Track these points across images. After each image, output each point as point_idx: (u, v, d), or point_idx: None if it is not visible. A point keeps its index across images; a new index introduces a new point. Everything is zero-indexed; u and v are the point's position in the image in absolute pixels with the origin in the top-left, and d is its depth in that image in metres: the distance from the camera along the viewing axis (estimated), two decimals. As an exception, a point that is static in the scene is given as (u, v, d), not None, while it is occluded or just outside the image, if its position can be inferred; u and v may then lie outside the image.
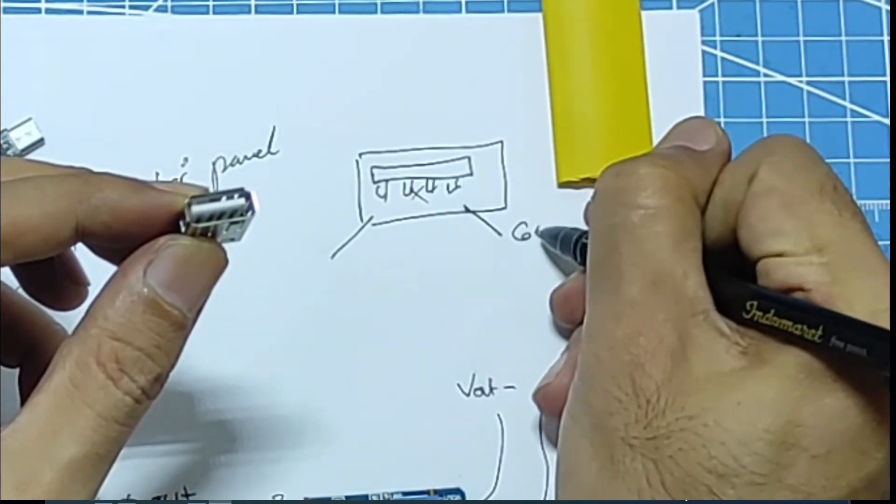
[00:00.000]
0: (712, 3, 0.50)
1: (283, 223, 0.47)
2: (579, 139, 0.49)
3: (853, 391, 0.35)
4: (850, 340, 0.34)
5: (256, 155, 0.48)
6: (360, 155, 0.49)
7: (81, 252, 0.38)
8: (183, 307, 0.35)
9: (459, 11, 0.50)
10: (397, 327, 0.47)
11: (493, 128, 0.49)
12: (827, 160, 0.49)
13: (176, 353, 0.35)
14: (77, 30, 0.48)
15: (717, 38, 0.50)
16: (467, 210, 0.48)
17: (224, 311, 0.44)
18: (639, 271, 0.38)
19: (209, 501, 0.46)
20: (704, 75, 0.50)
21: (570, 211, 0.48)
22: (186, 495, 0.45)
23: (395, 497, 0.46)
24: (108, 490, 0.35)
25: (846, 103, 0.50)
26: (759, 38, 0.50)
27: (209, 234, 0.35)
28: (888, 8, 0.50)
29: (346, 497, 0.46)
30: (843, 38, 0.50)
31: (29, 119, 0.47)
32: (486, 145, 0.49)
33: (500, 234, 0.48)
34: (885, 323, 0.35)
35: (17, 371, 0.41)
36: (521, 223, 0.48)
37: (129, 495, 0.45)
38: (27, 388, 0.37)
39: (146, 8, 0.49)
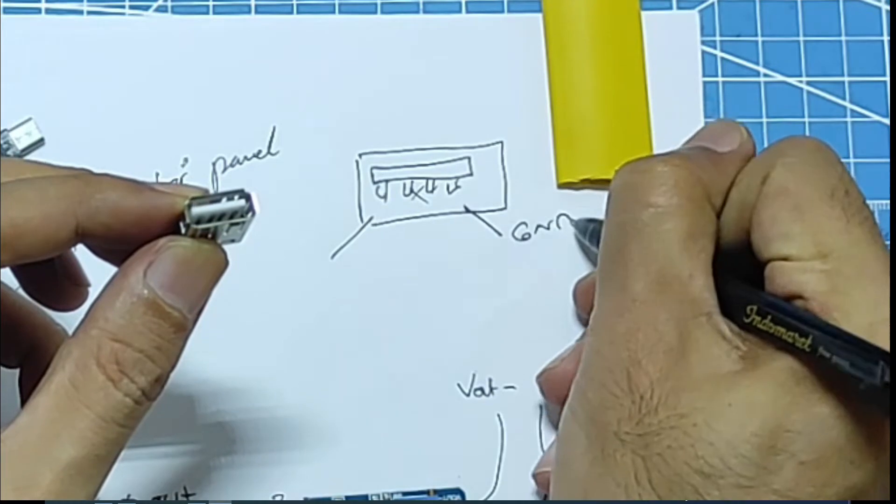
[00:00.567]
0: (712, 3, 0.50)
1: (283, 223, 0.47)
2: (579, 139, 0.49)
3: (843, 401, 0.35)
4: (836, 352, 0.34)
5: (256, 155, 0.48)
6: (360, 155, 0.49)
7: (82, 253, 0.38)
8: (183, 308, 0.35)
9: (459, 11, 0.50)
10: (397, 327, 0.47)
11: (493, 128, 0.49)
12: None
13: (176, 354, 0.35)
14: (77, 30, 0.48)
15: (717, 38, 0.50)
16: (467, 210, 0.48)
17: (224, 312, 0.44)
18: (645, 269, 0.38)
19: (209, 501, 0.46)
20: (704, 75, 0.50)
21: (570, 211, 0.48)
22: (186, 495, 0.45)
23: (395, 497, 0.46)
24: (108, 490, 0.35)
25: (846, 103, 0.50)
26: (759, 38, 0.50)
27: (209, 236, 0.35)
28: (888, 8, 0.50)
29: (346, 497, 0.46)
30: (843, 38, 0.50)
31: (29, 119, 0.47)
32: (486, 145, 0.49)
33: (500, 234, 0.48)
34: (882, 335, 0.35)
35: (17, 371, 0.41)
36: (521, 223, 0.48)
37: (129, 495, 0.45)
38: (27, 389, 0.37)
39: (146, 8, 0.49)
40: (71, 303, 0.40)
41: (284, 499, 0.46)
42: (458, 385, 0.47)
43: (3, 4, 0.48)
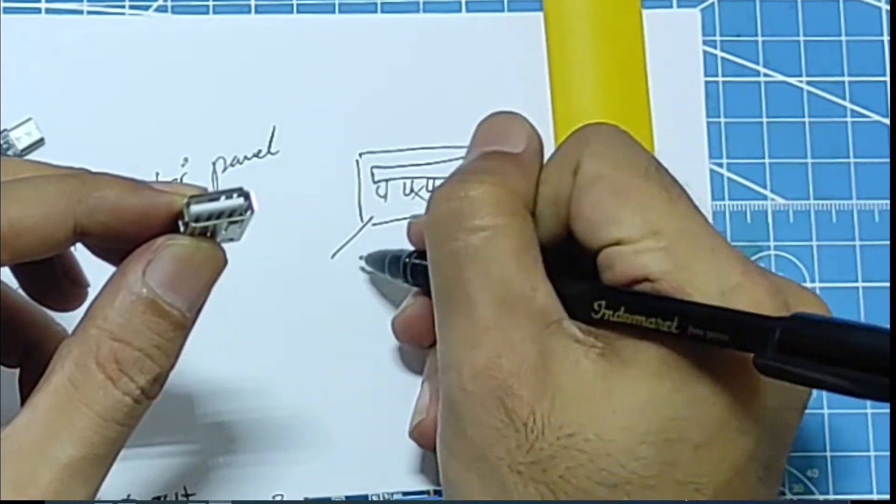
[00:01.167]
0: (712, 3, 0.50)
1: (283, 223, 0.47)
2: (579, 139, 0.49)
3: (720, 373, 0.35)
4: (710, 327, 0.34)
5: (256, 155, 0.48)
6: (360, 155, 0.49)
7: (81, 253, 0.38)
8: (182, 307, 0.35)
9: (459, 11, 0.50)
10: (397, 327, 0.47)
11: (494, 128, 0.49)
12: (827, 160, 0.49)
13: (175, 353, 0.35)
14: (77, 30, 0.48)
15: (718, 38, 0.50)
16: (467, 210, 0.48)
17: (224, 312, 0.44)
18: (488, 294, 0.37)
19: (209, 501, 0.46)
20: (704, 75, 0.50)
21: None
22: (186, 495, 0.45)
23: (395, 497, 0.46)
24: (108, 490, 0.35)
25: (846, 103, 0.50)
26: (759, 38, 0.50)
27: (208, 234, 0.35)
28: (888, 8, 0.50)
29: (346, 497, 0.46)
30: (843, 38, 0.50)
31: (29, 119, 0.47)
32: (486, 145, 0.49)
33: (500, 234, 0.48)
34: (735, 301, 0.35)
35: (17, 371, 0.41)
36: (521, 223, 0.48)
37: (129, 495, 0.45)
38: (27, 389, 0.37)
39: (146, 8, 0.49)
40: (70, 303, 0.40)
41: (284, 499, 0.46)
42: (459, 385, 0.47)
43: (3, 4, 0.48)
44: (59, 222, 0.34)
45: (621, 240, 0.37)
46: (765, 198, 0.49)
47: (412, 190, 0.48)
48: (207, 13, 0.49)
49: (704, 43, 0.50)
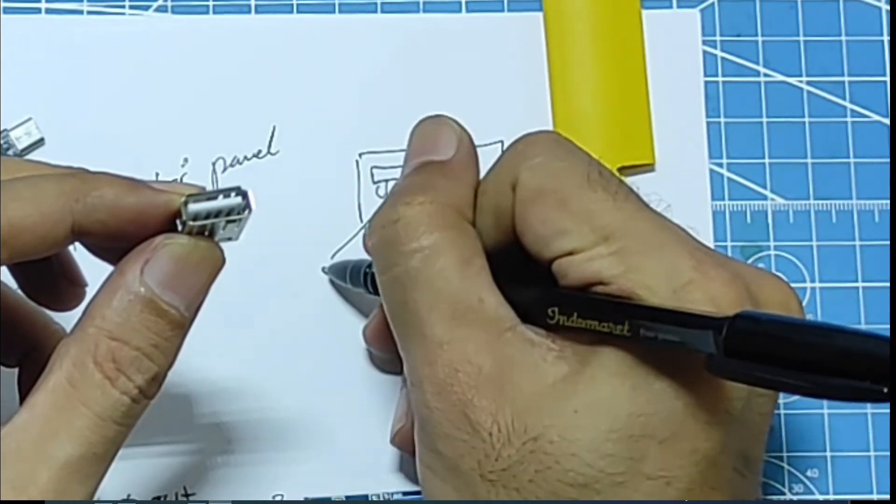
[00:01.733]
0: (712, 3, 0.50)
1: (283, 223, 0.47)
2: (580, 139, 0.48)
3: (681, 367, 0.35)
4: (659, 330, 0.34)
5: (256, 155, 0.48)
6: (360, 155, 0.49)
7: (79, 252, 0.38)
8: (180, 306, 0.35)
9: (459, 11, 0.50)
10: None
11: (493, 128, 0.49)
12: (827, 160, 0.49)
13: (174, 352, 0.35)
14: (77, 30, 0.49)
15: (717, 38, 0.50)
16: (467, 210, 0.48)
17: (224, 312, 0.44)
18: (436, 313, 0.38)
19: (209, 501, 0.46)
20: (704, 75, 0.50)
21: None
22: (186, 495, 0.45)
23: (395, 497, 0.46)
24: (108, 490, 0.35)
25: (846, 103, 0.50)
26: (759, 38, 0.50)
27: (206, 233, 0.35)
28: (888, 8, 0.50)
29: (346, 497, 0.46)
30: (843, 38, 0.50)
31: (29, 119, 0.47)
32: (486, 145, 0.49)
33: (499, 234, 0.48)
34: (689, 298, 0.35)
35: (16, 371, 0.41)
36: (520, 223, 0.48)
37: (129, 495, 0.45)
38: (26, 388, 0.37)
39: (146, 8, 0.49)
40: (69, 303, 0.40)
41: (284, 499, 0.46)
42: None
43: (3, 4, 0.48)
44: (58, 221, 0.34)
45: (573, 250, 0.37)
46: (765, 198, 0.49)
47: (412, 190, 0.48)
48: (207, 13, 0.49)
49: (704, 43, 0.50)
